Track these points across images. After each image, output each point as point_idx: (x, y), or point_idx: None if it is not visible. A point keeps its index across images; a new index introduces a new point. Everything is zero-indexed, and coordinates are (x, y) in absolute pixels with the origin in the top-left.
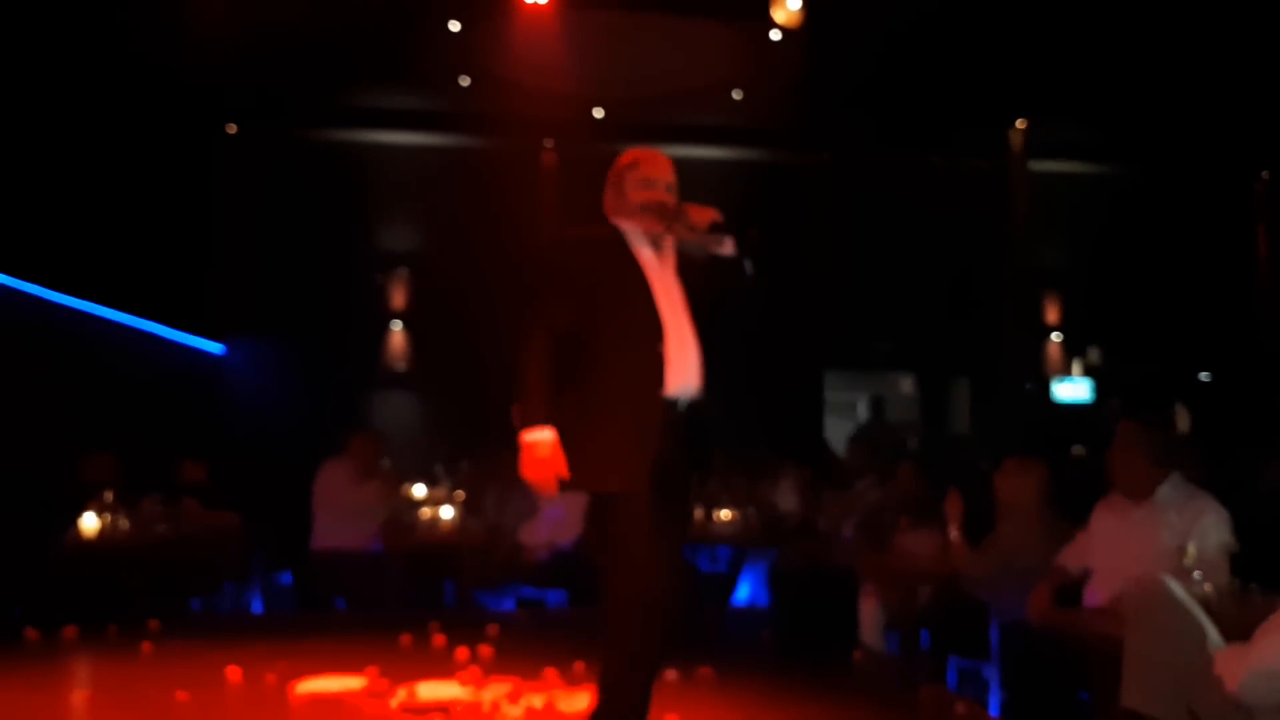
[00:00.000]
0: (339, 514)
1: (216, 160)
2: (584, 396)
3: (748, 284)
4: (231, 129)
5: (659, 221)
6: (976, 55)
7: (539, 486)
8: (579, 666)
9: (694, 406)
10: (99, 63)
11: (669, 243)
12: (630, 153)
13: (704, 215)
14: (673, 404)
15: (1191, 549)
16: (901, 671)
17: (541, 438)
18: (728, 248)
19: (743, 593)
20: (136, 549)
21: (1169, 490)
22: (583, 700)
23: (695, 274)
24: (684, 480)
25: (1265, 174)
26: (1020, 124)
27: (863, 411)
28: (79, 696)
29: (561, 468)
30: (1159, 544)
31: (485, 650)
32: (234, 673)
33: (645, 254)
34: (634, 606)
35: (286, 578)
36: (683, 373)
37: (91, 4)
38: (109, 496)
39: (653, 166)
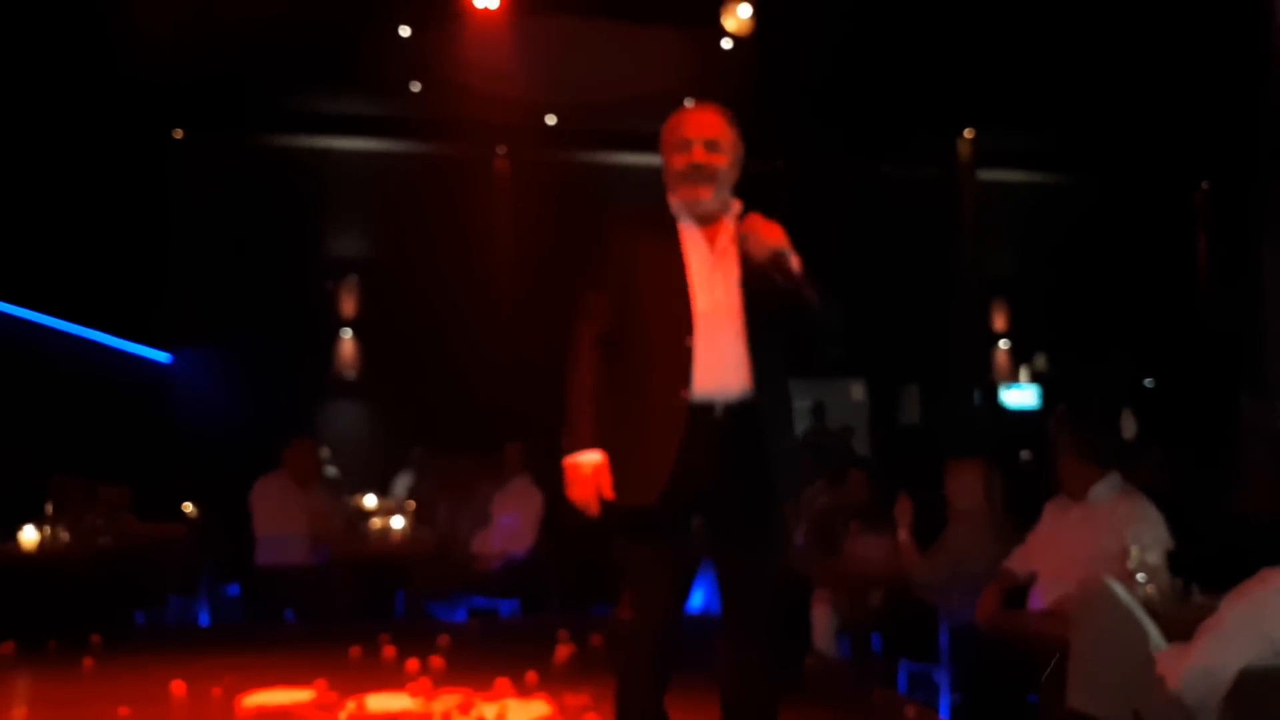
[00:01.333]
0: (279, 528)
1: (164, 166)
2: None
3: (812, 311)
4: (178, 134)
5: (693, 188)
6: (925, 65)
7: (581, 506)
8: (531, 676)
9: (740, 412)
10: (44, 67)
11: (728, 217)
12: (675, 114)
13: (769, 238)
14: (705, 408)
15: (1135, 551)
16: (853, 676)
17: (584, 459)
18: (794, 270)
19: (696, 600)
20: (78, 562)
21: (1104, 489)
22: (535, 709)
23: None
24: (748, 502)
25: (1205, 184)
26: (968, 133)
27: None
28: (18, 714)
29: (606, 487)
30: (1095, 543)
31: (436, 661)
32: (179, 687)
33: (691, 232)
34: (623, 626)
35: (234, 589)
36: (715, 371)
37: (35, 9)
38: (48, 509)
39: (690, 124)
